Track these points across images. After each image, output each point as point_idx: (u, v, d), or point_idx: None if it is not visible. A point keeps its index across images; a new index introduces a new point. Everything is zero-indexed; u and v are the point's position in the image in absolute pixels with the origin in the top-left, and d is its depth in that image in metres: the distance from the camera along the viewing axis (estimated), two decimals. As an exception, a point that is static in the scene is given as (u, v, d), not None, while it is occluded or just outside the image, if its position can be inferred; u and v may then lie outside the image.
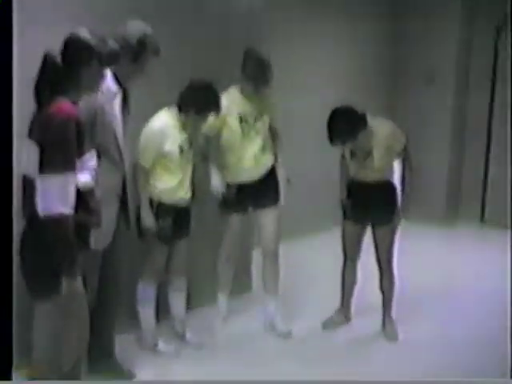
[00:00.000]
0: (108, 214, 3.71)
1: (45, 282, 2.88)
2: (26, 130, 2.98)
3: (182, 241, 4.53)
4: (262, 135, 4.77)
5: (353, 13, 8.12)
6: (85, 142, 2.91)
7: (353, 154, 4.80)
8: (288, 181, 4.94)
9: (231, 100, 4.69)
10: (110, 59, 3.13)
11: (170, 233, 4.38)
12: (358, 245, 5.07)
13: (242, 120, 4.69)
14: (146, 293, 4.46)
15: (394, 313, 5.11)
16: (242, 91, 4.71)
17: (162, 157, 4.24)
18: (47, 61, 2.94)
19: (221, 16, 5.25)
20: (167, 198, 4.33)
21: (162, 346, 4.53)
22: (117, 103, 3.80)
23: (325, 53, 7.94)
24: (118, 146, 3.79)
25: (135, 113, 4.07)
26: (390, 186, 4.91)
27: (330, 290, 5.36)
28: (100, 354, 4.07)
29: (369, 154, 4.71)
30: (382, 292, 5.04)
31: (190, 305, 4.93)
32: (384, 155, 4.72)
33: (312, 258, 6.99)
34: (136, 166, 4.23)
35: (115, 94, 3.80)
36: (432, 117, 8.59)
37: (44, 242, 2.81)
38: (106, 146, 3.70)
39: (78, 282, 2.90)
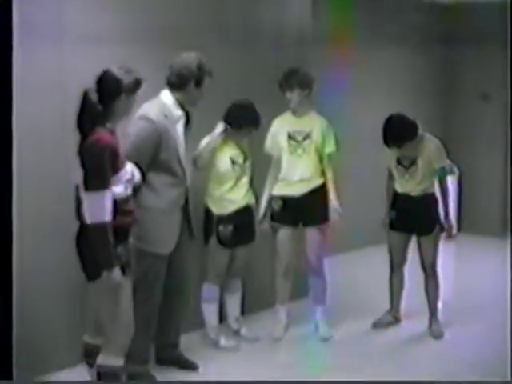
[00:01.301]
0: (171, 222, 4.30)
1: (91, 269, 3.54)
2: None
3: (245, 246, 5.04)
4: (309, 153, 5.11)
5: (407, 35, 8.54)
6: (118, 162, 3.50)
7: (399, 162, 5.21)
8: (335, 211, 5.19)
9: (283, 120, 5.19)
10: (137, 87, 3.62)
11: (232, 238, 4.88)
12: (403, 253, 5.44)
13: (290, 137, 5.14)
14: (210, 293, 4.98)
15: (440, 314, 5.47)
16: (294, 112, 5.17)
17: (214, 168, 4.84)
18: (86, 98, 3.49)
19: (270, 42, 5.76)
20: (226, 205, 4.86)
21: (223, 341, 5.03)
22: (180, 126, 4.32)
23: (380, 72, 8.31)
24: (180, 163, 4.29)
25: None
26: (431, 199, 5.29)
27: (382, 297, 5.68)
28: (166, 345, 4.63)
29: (413, 162, 5.14)
30: (428, 295, 5.40)
31: (247, 309, 5.40)
32: (426, 167, 5.16)
33: (363, 268, 7.32)
34: None
35: (179, 118, 4.31)
36: (486, 133, 8.87)
37: (90, 241, 3.46)
38: (169, 163, 4.23)
39: (116, 273, 3.49)
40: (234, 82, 5.24)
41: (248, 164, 4.98)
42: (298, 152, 5.12)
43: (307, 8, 6.09)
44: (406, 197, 5.27)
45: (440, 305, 5.51)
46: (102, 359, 3.67)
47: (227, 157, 4.86)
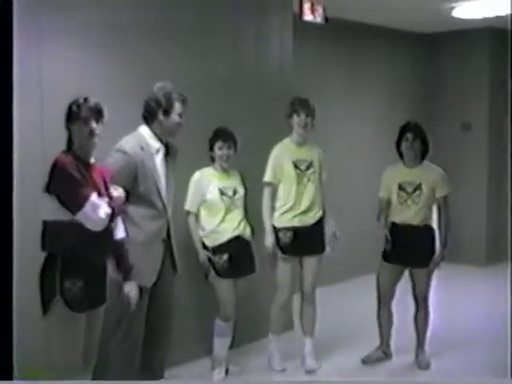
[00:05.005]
0: (151, 255, 4.28)
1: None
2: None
3: (246, 277, 5.05)
4: (313, 183, 5.14)
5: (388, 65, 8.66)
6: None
7: (400, 188, 5.19)
8: (335, 235, 5.26)
9: (285, 148, 5.20)
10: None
11: (228, 268, 4.89)
12: (393, 287, 5.38)
13: (296, 166, 5.14)
14: (220, 329, 5.02)
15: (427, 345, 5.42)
16: (293, 140, 5.18)
17: (204, 201, 4.88)
18: None
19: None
20: (218, 237, 4.89)
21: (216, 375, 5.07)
22: (158, 158, 4.32)
23: (361, 106, 8.44)
24: (160, 196, 4.30)
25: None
26: (430, 230, 5.26)
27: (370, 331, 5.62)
28: (150, 379, 4.55)
29: (417, 187, 5.14)
30: (416, 326, 5.38)
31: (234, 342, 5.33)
32: (429, 195, 5.17)
33: (351, 300, 7.31)
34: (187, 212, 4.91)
35: (157, 150, 4.32)
36: (469, 163, 8.95)
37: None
38: (148, 195, 4.24)
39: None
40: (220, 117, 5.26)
41: (238, 197, 5.00)
42: (304, 182, 5.14)
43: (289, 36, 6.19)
44: (407, 226, 5.19)
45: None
46: None
47: (216, 188, 4.90)
